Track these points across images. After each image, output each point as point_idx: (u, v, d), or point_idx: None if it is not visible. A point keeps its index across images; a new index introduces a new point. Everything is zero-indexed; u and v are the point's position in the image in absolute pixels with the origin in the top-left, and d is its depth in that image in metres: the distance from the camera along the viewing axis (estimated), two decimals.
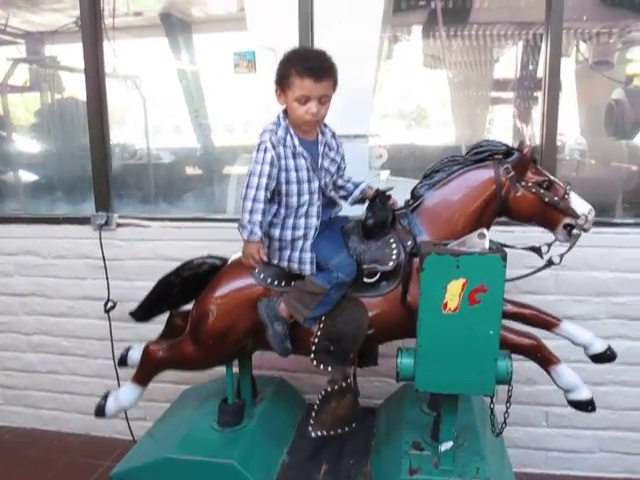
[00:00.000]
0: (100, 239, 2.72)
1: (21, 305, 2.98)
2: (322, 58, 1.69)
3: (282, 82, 1.69)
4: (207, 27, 3.82)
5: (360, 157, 2.61)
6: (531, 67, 3.64)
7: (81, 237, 2.80)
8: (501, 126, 4.07)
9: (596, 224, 2.41)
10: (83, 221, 2.79)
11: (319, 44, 2.34)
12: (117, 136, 3.58)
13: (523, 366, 2.48)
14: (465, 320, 1.49)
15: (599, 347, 1.81)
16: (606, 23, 3.28)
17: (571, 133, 3.67)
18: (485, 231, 1.51)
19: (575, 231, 1.75)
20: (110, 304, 2.70)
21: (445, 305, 1.49)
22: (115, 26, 3.15)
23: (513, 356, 2.38)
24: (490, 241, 1.58)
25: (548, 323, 1.83)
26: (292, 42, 2.10)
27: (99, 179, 2.80)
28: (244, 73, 2.55)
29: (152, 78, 3.67)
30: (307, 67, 1.64)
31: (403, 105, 4.24)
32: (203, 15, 3.79)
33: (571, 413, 2.51)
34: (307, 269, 1.75)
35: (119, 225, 2.76)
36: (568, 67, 3.67)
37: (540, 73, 2.51)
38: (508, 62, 3.89)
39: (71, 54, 2.83)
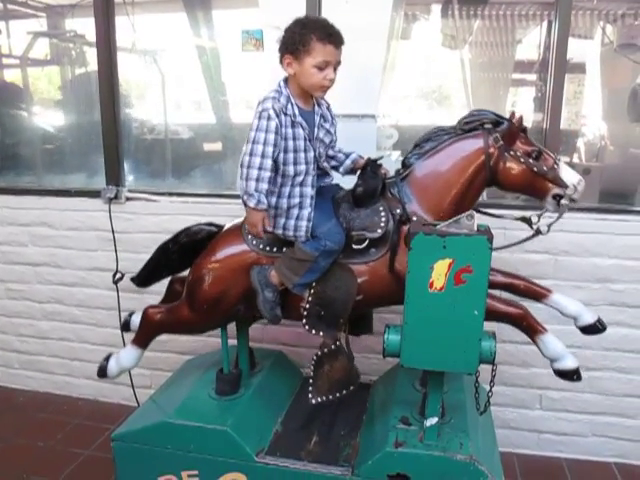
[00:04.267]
0: (110, 212, 2.79)
1: (35, 274, 3.07)
2: (335, 26, 1.70)
3: (297, 49, 1.66)
4: (226, 3, 3.75)
5: (368, 137, 2.63)
6: None
7: (92, 210, 2.86)
8: (525, 108, 4.00)
9: (597, 210, 2.44)
10: (94, 194, 2.84)
11: None
12: (136, 111, 3.59)
13: (518, 349, 2.54)
14: (450, 299, 1.52)
15: (589, 318, 1.78)
16: (632, 4, 3.15)
17: (594, 118, 3.59)
18: (474, 213, 1.54)
19: (564, 201, 1.71)
20: (118, 275, 2.77)
21: (431, 284, 1.52)
22: (135, 0, 3.15)
23: (509, 338, 2.44)
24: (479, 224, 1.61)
25: (538, 294, 1.82)
26: None
27: (110, 153, 2.83)
28: (252, 51, 2.58)
29: (171, 54, 3.63)
30: (329, 33, 1.65)
31: (421, 85, 4.19)
32: None
33: (565, 397, 2.58)
34: (302, 236, 1.77)
35: (128, 199, 2.82)
36: (593, 50, 3.58)
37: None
38: (532, 43, 3.82)
39: (91, 28, 2.80)
